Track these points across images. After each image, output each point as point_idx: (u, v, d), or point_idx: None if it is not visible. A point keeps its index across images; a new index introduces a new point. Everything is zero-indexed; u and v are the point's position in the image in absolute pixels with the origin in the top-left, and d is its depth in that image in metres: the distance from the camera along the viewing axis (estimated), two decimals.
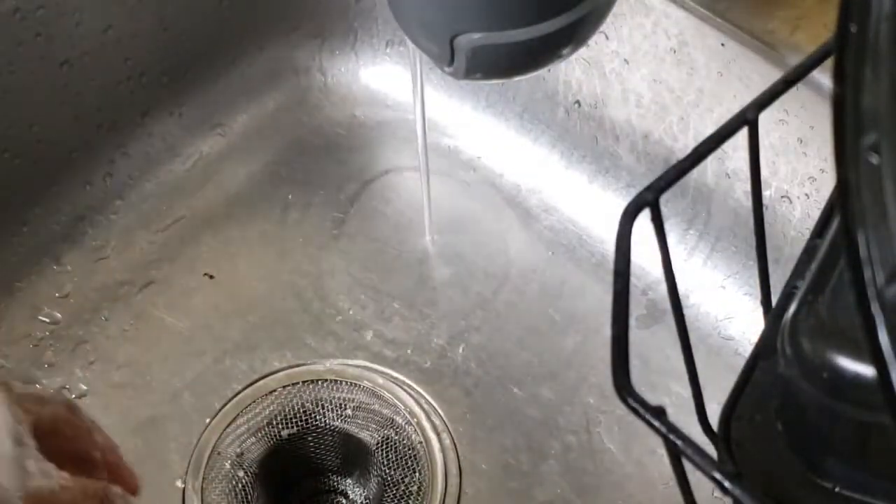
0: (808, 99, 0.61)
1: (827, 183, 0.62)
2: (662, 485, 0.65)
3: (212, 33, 0.79)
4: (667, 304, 0.43)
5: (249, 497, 0.65)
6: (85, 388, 0.69)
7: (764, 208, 0.45)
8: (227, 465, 0.66)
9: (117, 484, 0.43)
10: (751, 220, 0.45)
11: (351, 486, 0.68)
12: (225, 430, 0.67)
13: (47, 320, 0.71)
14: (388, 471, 0.66)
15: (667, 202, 0.41)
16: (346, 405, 0.68)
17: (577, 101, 0.76)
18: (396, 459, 0.66)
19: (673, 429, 0.34)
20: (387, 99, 0.84)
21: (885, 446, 0.34)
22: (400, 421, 0.67)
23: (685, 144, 0.71)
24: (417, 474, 0.66)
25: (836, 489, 0.36)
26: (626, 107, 0.73)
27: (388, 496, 0.65)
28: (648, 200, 0.40)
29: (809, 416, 0.37)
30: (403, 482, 0.65)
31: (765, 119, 0.44)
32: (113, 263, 0.74)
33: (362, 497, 0.67)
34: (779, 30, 0.62)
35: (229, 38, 0.80)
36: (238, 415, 0.67)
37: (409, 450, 0.66)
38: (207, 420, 0.67)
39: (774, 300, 0.44)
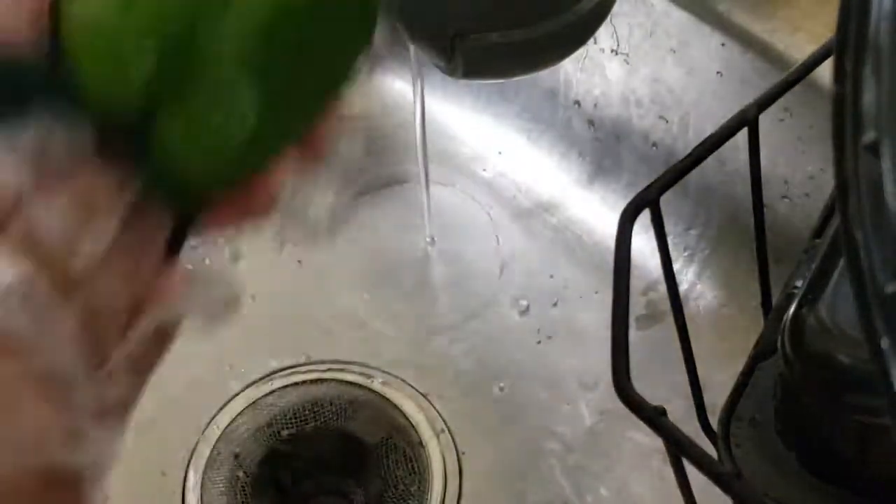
0: (808, 99, 0.61)
1: (827, 183, 0.62)
2: (663, 485, 0.65)
3: None
4: (667, 305, 0.43)
5: (249, 497, 0.65)
6: None
7: (764, 208, 0.45)
8: (227, 466, 0.66)
9: None
10: (751, 219, 0.45)
11: (351, 487, 0.68)
12: (225, 430, 0.67)
13: None
14: (387, 471, 0.66)
15: (667, 202, 0.41)
16: (345, 405, 0.68)
17: (577, 102, 0.76)
18: (396, 459, 0.66)
19: (673, 429, 0.34)
20: (387, 98, 0.84)
21: (884, 447, 0.33)
22: (400, 421, 0.67)
23: (685, 144, 0.71)
24: (417, 474, 0.66)
25: (836, 489, 0.36)
26: (626, 107, 0.73)
27: (388, 496, 0.65)
28: (648, 200, 0.40)
29: (809, 417, 0.37)
30: (403, 482, 0.65)
31: (765, 119, 0.44)
32: None
33: (362, 497, 0.67)
34: (779, 30, 0.62)
35: None
36: (238, 415, 0.67)
37: (408, 450, 0.66)
38: (207, 420, 0.67)
39: (774, 300, 0.44)
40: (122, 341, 0.29)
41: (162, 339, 0.31)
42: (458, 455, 0.66)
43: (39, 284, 0.26)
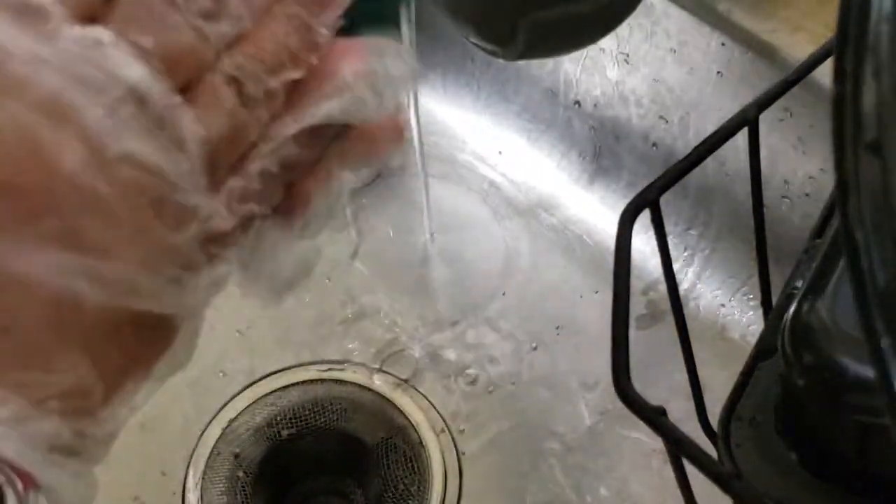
0: (808, 99, 0.61)
1: (827, 183, 0.62)
2: (663, 485, 0.65)
3: None
4: (667, 305, 0.43)
5: (249, 497, 0.65)
6: None
7: (764, 208, 0.45)
8: (227, 466, 0.66)
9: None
10: (751, 220, 0.45)
11: (351, 486, 0.68)
12: (225, 430, 0.67)
13: None
14: (387, 471, 0.66)
15: (667, 202, 0.40)
16: (345, 405, 0.68)
17: (577, 102, 0.76)
18: (396, 459, 0.66)
19: (673, 429, 0.34)
20: None
21: (884, 447, 0.34)
22: (399, 420, 0.67)
23: (685, 144, 0.71)
24: (417, 474, 0.66)
25: (836, 489, 0.36)
26: (626, 107, 0.73)
27: (388, 496, 0.65)
28: (649, 200, 0.40)
29: (809, 417, 0.37)
30: (403, 482, 0.65)
31: (765, 119, 0.44)
32: None
33: (362, 497, 0.67)
34: (779, 30, 0.62)
35: None
36: (238, 415, 0.67)
37: (408, 449, 0.66)
38: (207, 420, 0.67)
39: (774, 300, 0.44)
40: (270, 136, 0.24)
41: (314, 144, 0.25)
42: (458, 455, 0.66)
43: (161, 82, 0.22)
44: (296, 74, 0.24)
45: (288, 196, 0.26)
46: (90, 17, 0.23)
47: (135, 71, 0.22)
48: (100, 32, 0.22)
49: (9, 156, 0.21)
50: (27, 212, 0.21)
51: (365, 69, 0.25)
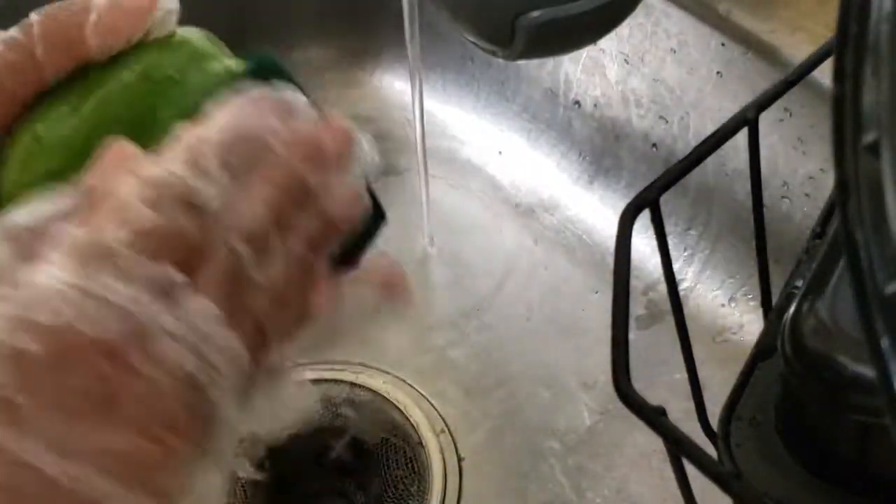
0: (808, 99, 0.61)
1: (827, 183, 0.62)
2: (663, 485, 0.65)
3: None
4: (667, 304, 0.43)
5: (249, 497, 0.65)
6: None
7: (764, 208, 0.45)
8: None
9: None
10: (751, 220, 0.45)
11: (351, 487, 0.68)
12: None
13: None
14: (388, 471, 0.66)
15: (667, 202, 0.41)
16: (345, 405, 0.68)
17: (577, 102, 0.76)
18: (396, 459, 0.66)
19: (673, 429, 0.34)
20: (387, 98, 0.84)
21: (885, 447, 0.34)
22: (399, 421, 0.67)
23: (685, 144, 0.71)
24: (417, 474, 0.66)
25: (836, 489, 0.36)
26: (626, 107, 0.73)
27: (388, 496, 0.65)
28: (649, 200, 0.40)
29: (809, 416, 0.37)
30: (403, 482, 0.65)
31: (765, 119, 0.44)
32: None
33: (362, 497, 0.67)
34: (779, 30, 0.62)
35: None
36: None
37: (408, 450, 0.66)
38: None
39: (774, 300, 0.44)
40: (277, 355, 0.31)
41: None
42: (458, 455, 0.66)
43: (224, 324, 0.27)
44: (303, 308, 0.30)
45: None
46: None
47: (235, 343, 0.27)
48: (208, 306, 0.26)
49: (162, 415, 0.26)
50: (163, 456, 0.26)
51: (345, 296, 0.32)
